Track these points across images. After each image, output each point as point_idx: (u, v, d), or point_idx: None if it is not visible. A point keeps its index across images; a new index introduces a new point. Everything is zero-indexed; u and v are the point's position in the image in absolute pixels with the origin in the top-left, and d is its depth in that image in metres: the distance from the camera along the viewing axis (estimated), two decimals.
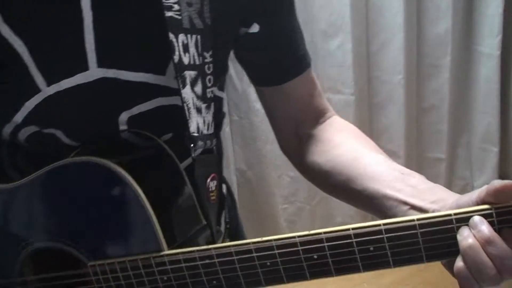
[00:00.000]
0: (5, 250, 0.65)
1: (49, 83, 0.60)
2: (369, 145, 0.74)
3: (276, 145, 0.82)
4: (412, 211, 0.60)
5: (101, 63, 0.60)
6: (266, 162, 1.90)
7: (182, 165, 0.66)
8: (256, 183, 1.96)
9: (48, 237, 0.63)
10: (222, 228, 0.81)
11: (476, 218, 0.51)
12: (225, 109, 0.79)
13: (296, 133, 0.78)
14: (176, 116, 0.63)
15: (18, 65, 0.59)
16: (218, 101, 0.73)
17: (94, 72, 0.60)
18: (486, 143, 2.06)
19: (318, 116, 0.78)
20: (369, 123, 1.99)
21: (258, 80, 0.76)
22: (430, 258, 0.53)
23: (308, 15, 1.74)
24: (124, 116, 0.64)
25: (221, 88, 0.75)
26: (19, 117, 0.62)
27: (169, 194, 0.64)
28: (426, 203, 0.59)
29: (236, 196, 1.93)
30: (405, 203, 0.61)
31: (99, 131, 0.64)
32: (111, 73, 0.61)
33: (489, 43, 1.91)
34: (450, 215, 0.52)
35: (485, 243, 0.50)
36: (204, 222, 0.66)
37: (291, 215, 2.01)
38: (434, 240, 0.52)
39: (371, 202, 0.65)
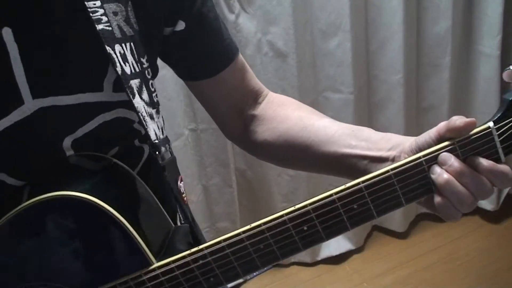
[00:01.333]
0: None
1: None
2: (312, 113, 0.76)
3: None
4: (372, 164, 0.63)
5: (35, 94, 0.57)
6: (265, 162, 1.90)
7: None
8: (255, 182, 1.96)
9: (29, 282, 0.60)
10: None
11: (445, 155, 0.55)
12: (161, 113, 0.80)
13: (240, 118, 0.79)
14: (120, 129, 0.63)
15: None
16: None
17: (30, 105, 0.57)
18: None
19: (256, 97, 0.80)
20: (368, 122, 1.99)
21: (192, 75, 0.76)
22: (409, 201, 0.57)
23: (308, 15, 1.73)
24: (67, 141, 0.61)
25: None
26: None
27: (137, 207, 0.62)
28: (383, 152, 0.62)
29: (235, 195, 1.93)
30: (364, 157, 0.64)
31: (46, 163, 0.61)
32: (48, 101, 0.58)
33: (489, 43, 1.91)
34: (419, 158, 0.56)
35: (458, 175, 0.55)
36: (173, 225, 0.66)
37: None
38: (409, 184, 0.56)
39: (331, 165, 0.68)
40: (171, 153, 0.66)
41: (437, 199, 0.56)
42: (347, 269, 2.04)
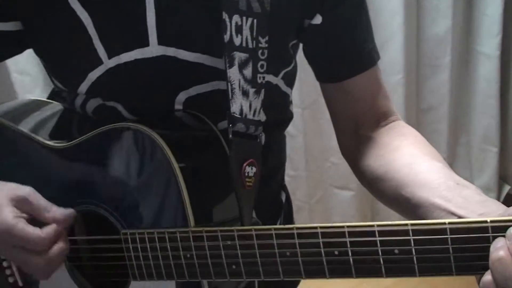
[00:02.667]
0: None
1: (110, 56, 0.61)
2: (428, 152, 0.69)
3: None
4: None
5: (161, 41, 0.61)
6: None
7: None
8: None
9: (91, 200, 0.64)
10: None
11: None
12: (292, 108, 0.78)
13: (356, 133, 0.75)
14: None
15: (83, 37, 0.61)
16: (282, 97, 0.73)
17: (154, 49, 0.61)
18: (486, 143, 2.06)
19: (380, 119, 0.75)
20: None
21: (320, 76, 0.74)
22: (460, 270, 0.48)
23: None
24: (182, 96, 0.64)
25: (288, 84, 0.74)
26: (83, 88, 0.64)
27: (209, 177, 0.64)
28: (474, 215, 0.55)
29: None
30: (453, 214, 0.57)
31: (157, 108, 0.64)
32: (171, 51, 0.61)
33: (489, 43, 1.91)
34: (485, 221, 0.46)
35: None
36: (238, 214, 0.64)
37: None
38: (465, 249, 0.47)
39: (418, 210, 0.62)
40: (256, 137, 0.64)
41: (486, 276, 0.47)
42: None
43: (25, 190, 0.60)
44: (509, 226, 0.46)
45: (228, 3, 0.59)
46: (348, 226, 0.51)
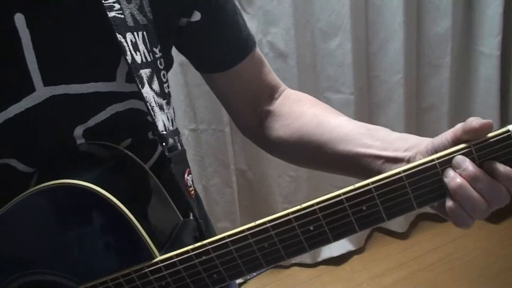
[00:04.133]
0: None
1: None
2: (329, 110, 0.74)
3: None
4: (387, 164, 0.61)
5: (47, 82, 0.57)
6: (266, 162, 1.90)
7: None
8: (256, 183, 1.96)
9: (29, 271, 0.59)
10: None
11: (459, 158, 0.52)
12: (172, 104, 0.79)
13: (255, 113, 0.78)
14: (133, 120, 0.63)
15: None
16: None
17: (41, 92, 0.57)
18: None
19: (272, 92, 0.78)
20: (368, 123, 1.98)
21: (207, 68, 0.75)
22: (421, 205, 0.54)
23: (308, 15, 1.74)
24: (79, 130, 0.61)
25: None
26: None
27: (144, 199, 0.62)
28: (399, 152, 0.60)
29: (235, 196, 1.93)
30: (379, 157, 0.62)
31: (56, 151, 0.61)
32: (60, 89, 0.58)
33: (489, 43, 1.91)
34: (433, 160, 0.53)
35: (472, 179, 0.52)
36: (181, 219, 0.65)
37: None
38: (421, 187, 0.53)
39: (345, 164, 0.66)
40: (181, 145, 0.65)
41: (449, 203, 0.53)
42: (347, 269, 2.05)
43: None
44: (451, 158, 0.53)
45: (118, 23, 0.58)
46: (317, 203, 0.54)
